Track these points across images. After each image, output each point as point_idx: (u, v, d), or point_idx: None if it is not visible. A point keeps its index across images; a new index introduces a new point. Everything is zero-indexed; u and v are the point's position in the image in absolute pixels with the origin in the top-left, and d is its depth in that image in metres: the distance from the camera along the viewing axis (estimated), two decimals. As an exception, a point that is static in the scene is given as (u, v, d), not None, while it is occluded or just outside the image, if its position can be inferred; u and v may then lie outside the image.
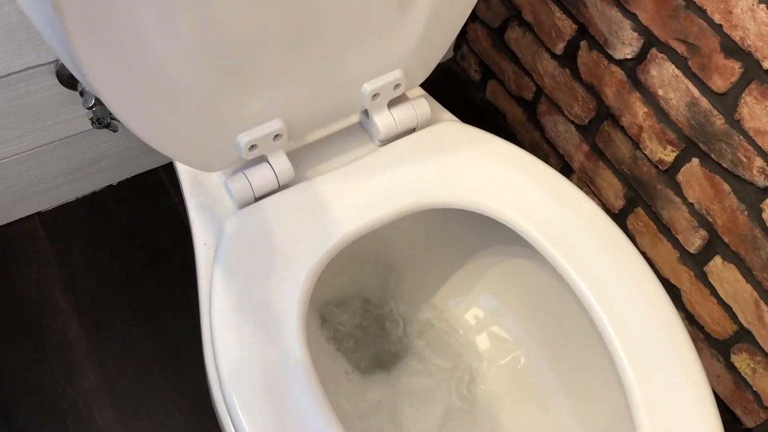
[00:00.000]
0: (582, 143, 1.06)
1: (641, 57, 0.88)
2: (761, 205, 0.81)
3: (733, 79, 0.78)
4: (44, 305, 1.00)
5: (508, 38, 1.13)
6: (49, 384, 0.94)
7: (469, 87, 1.28)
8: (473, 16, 1.20)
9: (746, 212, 0.83)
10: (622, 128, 0.96)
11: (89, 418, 0.93)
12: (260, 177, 0.64)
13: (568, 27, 0.98)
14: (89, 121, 0.94)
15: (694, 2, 0.78)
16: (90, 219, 1.08)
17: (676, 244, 0.96)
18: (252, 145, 0.62)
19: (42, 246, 1.05)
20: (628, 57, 0.90)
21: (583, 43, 0.97)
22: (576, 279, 0.63)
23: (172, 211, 1.07)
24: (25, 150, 0.96)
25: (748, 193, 0.82)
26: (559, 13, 0.99)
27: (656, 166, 0.93)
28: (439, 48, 0.68)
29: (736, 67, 0.77)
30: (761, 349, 0.90)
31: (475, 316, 0.79)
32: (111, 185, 1.10)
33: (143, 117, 0.54)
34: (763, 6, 0.71)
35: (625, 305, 0.62)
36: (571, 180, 1.11)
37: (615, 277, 0.63)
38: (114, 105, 0.51)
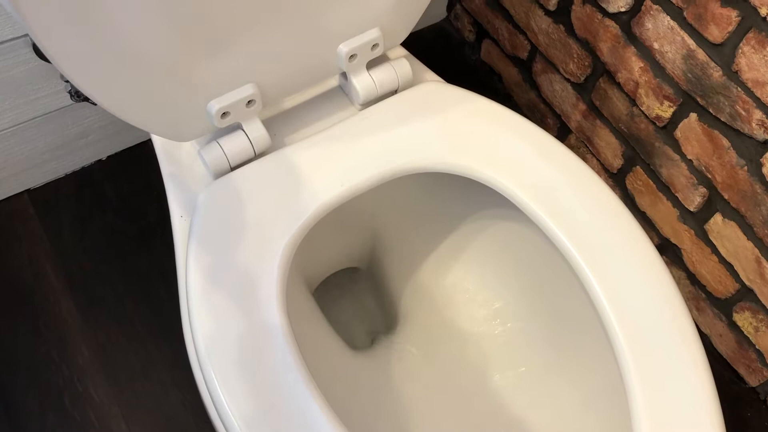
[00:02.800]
0: (578, 102, 1.03)
1: (635, 9, 0.85)
2: (761, 160, 0.78)
3: (730, 29, 0.74)
4: (36, 283, 0.99)
5: (500, -5, 1.09)
6: (43, 361, 0.94)
7: (463, 48, 1.24)
8: (465, -26, 1.16)
9: (746, 167, 0.80)
10: (618, 85, 0.93)
11: (85, 394, 0.93)
12: (235, 145, 0.62)
13: (560, -19, 0.95)
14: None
15: (689, -52, 0.74)
16: (80, 195, 1.06)
17: (676, 203, 0.93)
18: (224, 113, 0.60)
19: (32, 223, 1.04)
20: (622, 10, 0.87)
21: (576, -3, 0.93)
22: (565, 242, 0.61)
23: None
24: (8, 126, 0.94)
25: (748, 147, 0.79)
26: (550, -33, 0.95)
27: (654, 123, 0.90)
28: (417, 6, 0.65)
29: (732, 16, 0.73)
30: (764, 307, 0.88)
31: (466, 283, 0.78)
32: (100, 160, 1.09)
33: (104, 85, 0.52)
34: (759, -51, 0.67)
35: (617, 268, 0.60)
36: (568, 140, 1.09)
37: (605, 239, 0.61)
38: (72, 74, 0.49)
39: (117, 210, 1.05)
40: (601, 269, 0.60)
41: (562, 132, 1.09)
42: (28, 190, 1.05)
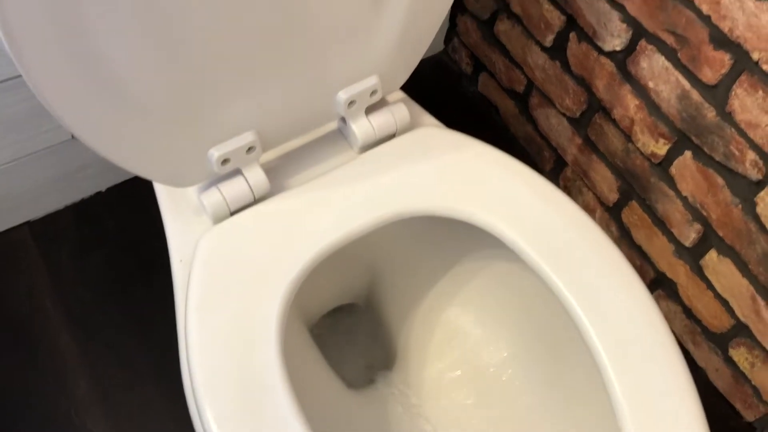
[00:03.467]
0: (575, 136, 1.04)
1: (630, 49, 0.86)
2: (755, 199, 0.79)
3: (723, 71, 0.76)
4: (35, 315, 1.00)
5: (497, 31, 1.10)
6: (41, 394, 0.94)
7: (461, 79, 1.26)
8: (462, 9, 1.17)
9: (740, 206, 0.81)
10: (613, 121, 0.94)
11: (82, 428, 0.92)
12: (234, 191, 0.62)
13: (556, 19, 0.96)
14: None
15: (682, -8, 0.76)
16: (79, 227, 1.07)
17: (672, 238, 0.94)
18: (224, 159, 0.60)
19: (32, 255, 1.04)
20: (618, 49, 0.88)
21: (572, 35, 0.95)
22: (560, 286, 0.62)
23: (159, 209, 1.06)
24: (9, 161, 0.95)
25: (742, 186, 0.80)
26: (547, 5, 0.96)
27: (649, 159, 0.91)
28: (416, 52, 0.66)
29: (725, 59, 0.75)
30: (759, 343, 0.88)
31: (463, 322, 0.78)
32: (99, 192, 1.09)
33: (103, 135, 0.52)
34: (751, -4, 0.69)
35: (610, 309, 0.61)
36: (565, 173, 1.10)
37: (599, 283, 0.62)
38: (72, 124, 0.50)
39: (116, 242, 1.06)
40: (595, 311, 0.61)
41: (558, 165, 1.10)
42: (28, 222, 1.06)
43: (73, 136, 0.89)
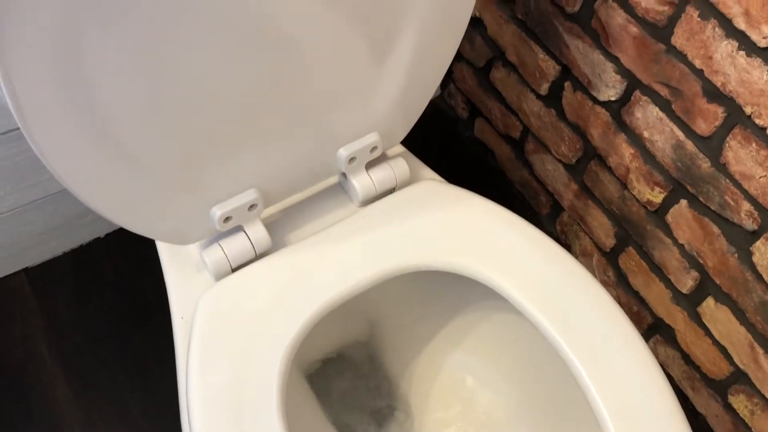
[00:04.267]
0: (570, 182, 1.05)
1: (625, 99, 0.88)
2: (750, 248, 0.80)
3: (717, 123, 0.77)
4: (30, 362, 0.99)
5: (493, 78, 1.12)
6: (36, 444, 0.93)
7: (457, 124, 1.27)
8: (459, 56, 1.19)
9: (736, 255, 0.82)
10: (609, 169, 0.95)
11: (78, 479, 0.91)
12: (236, 247, 0.63)
13: (551, 68, 0.98)
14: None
15: (675, 47, 0.77)
16: (77, 273, 1.07)
17: (669, 284, 0.94)
18: (227, 218, 0.61)
19: (28, 302, 1.04)
20: (612, 99, 0.89)
21: (567, 84, 0.96)
22: (559, 340, 0.62)
23: (161, 264, 1.07)
24: (9, 209, 0.95)
25: (737, 235, 0.81)
26: (542, 55, 0.98)
27: (645, 207, 0.92)
28: (416, 108, 0.67)
29: (719, 112, 0.76)
30: (758, 391, 0.88)
31: (464, 372, 0.78)
32: (98, 238, 1.09)
33: (105, 196, 0.53)
34: (742, 53, 0.70)
35: (608, 362, 0.61)
36: (561, 218, 1.10)
37: (599, 339, 0.62)
38: (73, 185, 0.50)
39: (114, 288, 1.06)
40: (593, 364, 0.61)
41: (555, 210, 1.11)
42: (25, 269, 1.06)
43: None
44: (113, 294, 1.05)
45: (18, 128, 0.86)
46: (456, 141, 1.26)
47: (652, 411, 0.59)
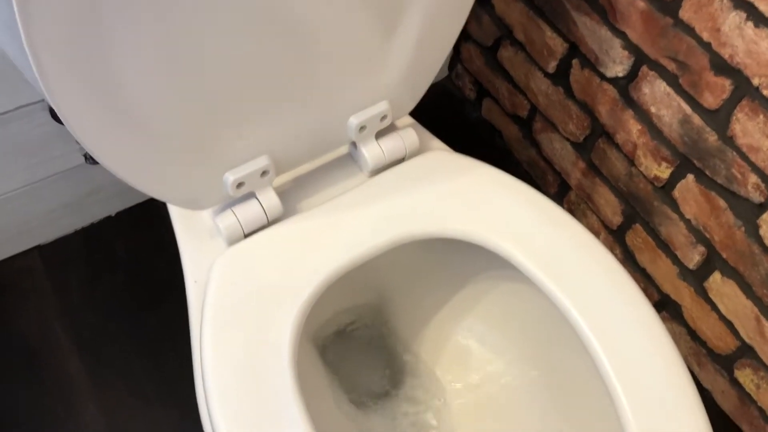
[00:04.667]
0: (578, 160, 1.05)
1: (632, 75, 0.88)
2: (758, 221, 0.80)
3: (724, 96, 0.77)
4: (44, 340, 1.00)
5: (501, 57, 1.13)
6: (49, 419, 0.94)
7: (464, 105, 1.28)
8: (466, 36, 1.20)
9: (743, 228, 0.82)
10: (616, 145, 0.96)
11: (91, 452, 0.93)
12: (249, 214, 0.64)
13: (559, 46, 0.98)
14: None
15: (682, 20, 0.78)
16: (89, 251, 1.08)
17: (676, 260, 0.95)
18: (239, 183, 0.62)
19: (41, 280, 1.05)
20: (620, 75, 0.90)
21: (575, 62, 0.97)
22: (568, 306, 0.63)
23: (172, 242, 1.07)
24: (22, 186, 0.96)
25: (744, 209, 0.81)
26: (549, 32, 0.98)
27: (652, 183, 0.93)
28: (425, 78, 0.68)
29: (726, 85, 0.76)
30: (764, 364, 0.89)
31: (472, 342, 0.79)
32: (110, 216, 1.10)
33: (123, 159, 0.54)
34: (750, 23, 0.70)
35: (618, 330, 0.62)
36: (569, 197, 1.11)
37: (607, 303, 0.63)
38: (94, 148, 0.51)
39: (126, 267, 1.07)
40: (602, 331, 0.62)
41: (562, 189, 1.12)
42: (38, 247, 1.07)
43: (85, 160, 0.90)
44: (125, 272, 1.06)
45: (29, 104, 0.87)
46: (464, 122, 1.26)
47: (664, 382, 0.59)
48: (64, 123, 0.52)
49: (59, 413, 0.95)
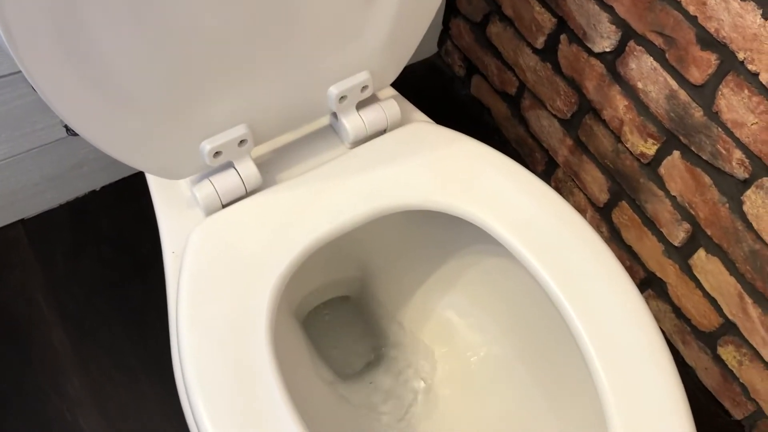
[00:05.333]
0: (565, 137, 1.05)
1: (620, 50, 0.87)
2: (741, 198, 0.80)
3: (710, 71, 0.77)
4: (28, 313, 1.00)
5: (489, 33, 1.12)
6: (33, 391, 0.94)
7: (453, 82, 1.27)
8: (455, 12, 1.19)
9: (727, 205, 0.82)
10: (603, 122, 0.95)
11: (74, 424, 0.93)
12: (226, 183, 0.63)
13: (547, 21, 0.97)
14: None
15: (669, -6, 0.77)
16: (73, 225, 1.07)
17: (661, 238, 0.95)
18: (216, 152, 0.61)
19: (26, 253, 1.04)
20: (607, 50, 0.89)
21: (563, 37, 0.96)
22: (549, 281, 0.62)
23: (152, 200, 1.07)
24: (4, 158, 0.95)
25: (729, 185, 0.81)
26: (538, 7, 0.98)
27: (638, 160, 0.92)
28: (406, 49, 0.67)
29: (712, 59, 0.76)
30: (746, 341, 0.89)
31: (454, 316, 0.79)
32: (94, 190, 1.10)
33: (98, 127, 0.53)
34: (736, -4, 0.70)
35: (598, 303, 0.61)
36: (556, 174, 1.11)
37: (588, 278, 0.62)
38: (67, 115, 0.51)
39: (111, 241, 1.06)
40: (582, 305, 0.61)
41: (549, 166, 1.11)
42: (22, 220, 1.07)
43: (66, 132, 0.89)
44: (109, 246, 1.06)
45: (10, 74, 0.86)
46: (453, 100, 1.26)
47: (642, 354, 0.59)
48: (37, 91, 0.52)
49: (43, 386, 0.95)
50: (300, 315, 0.82)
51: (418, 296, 0.79)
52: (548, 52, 1.00)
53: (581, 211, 1.08)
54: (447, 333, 0.79)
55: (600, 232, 1.06)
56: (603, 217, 1.04)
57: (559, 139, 1.06)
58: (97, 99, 0.53)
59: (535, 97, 1.07)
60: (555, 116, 1.05)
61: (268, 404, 0.54)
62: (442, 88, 1.27)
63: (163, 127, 0.57)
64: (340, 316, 0.86)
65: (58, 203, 1.08)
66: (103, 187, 1.10)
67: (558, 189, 1.11)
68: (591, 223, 1.07)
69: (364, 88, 0.66)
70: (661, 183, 0.91)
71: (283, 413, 0.54)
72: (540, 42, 1.01)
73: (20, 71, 0.85)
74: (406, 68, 1.08)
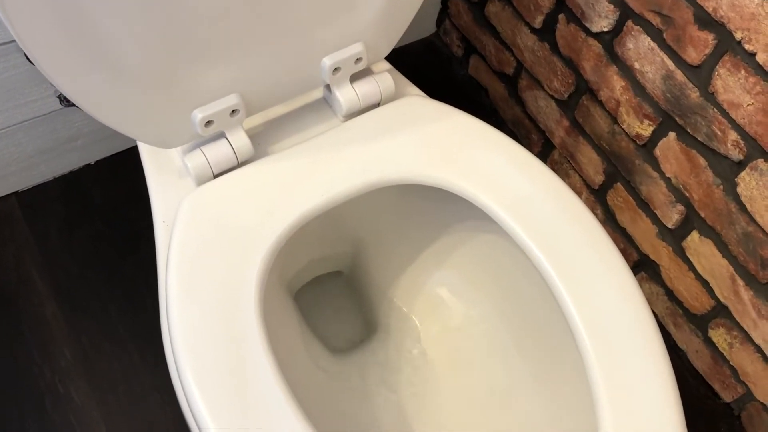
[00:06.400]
0: (562, 118, 1.04)
1: (617, 30, 0.87)
2: (736, 179, 0.80)
3: (707, 51, 0.76)
4: (21, 286, 1.00)
5: (488, 12, 1.11)
6: (25, 363, 0.95)
7: (451, 62, 1.26)
8: (454, -10, 1.18)
9: (721, 186, 0.82)
10: (600, 103, 0.95)
11: (66, 396, 0.93)
12: (218, 153, 0.63)
13: (546, 0, 0.96)
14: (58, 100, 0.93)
15: (668, -28, 0.76)
16: (67, 199, 1.07)
17: (655, 220, 0.95)
18: (208, 121, 0.61)
19: (19, 226, 1.04)
20: (605, 30, 0.89)
21: (561, 17, 0.95)
22: (539, 255, 0.62)
23: (143, 169, 1.06)
24: (-2, 129, 0.95)
25: (723, 167, 0.81)
26: (536, -14, 0.97)
27: (634, 141, 0.92)
28: (401, 22, 0.67)
29: (709, 39, 0.75)
30: (737, 323, 0.89)
31: (445, 292, 0.79)
32: (89, 164, 1.10)
33: (89, 93, 0.53)
34: (734, -25, 0.69)
35: (588, 281, 0.61)
36: (552, 156, 1.10)
37: (579, 255, 0.62)
38: (60, 82, 0.50)
39: (104, 215, 1.06)
40: (573, 282, 0.61)
41: (546, 148, 1.11)
42: (15, 193, 1.06)
43: (60, 102, 0.88)
44: (103, 220, 1.06)
45: (3, 44, 0.85)
46: (451, 80, 1.25)
47: (631, 333, 0.59)
48: (28, 56, 0.51)
49: (35, 358, 0.95)
50: (292, 289, 0.82)
51: (410, 272, 0.79)
52: (546, 32, 0.99)
53: (576, 193, 1.08)
54: (438, 309, 0.79)
55: (595, 215, 1.05)
56: (598, 199, 1.04)
57: (556, 120, 1.06)
58: (88, 65, 0.52)
59: (532, 77, 1.07)
60: (552, 97, 1.04)
61: (256, 375, 0.54)
62: (440, 67, 1.26)
63: (155, 95, 0.57)
64: (332, 292, 0.86)
65: (52, 176, 1.08)
66: (98, 161, 1.10)
67: (554, 171, 1.11)
68: (586, 205, 1.07)
69: (358, 60, 0.66)
70: (656, 164, 0.90)
71: (271, 383, 0.54)
72: (538, 21, 1.00)
73: (13, 41, 0.85)
74: (404, 47, 1.08)
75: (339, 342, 0.82)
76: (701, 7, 0.75)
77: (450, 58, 1.26)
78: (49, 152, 1.03)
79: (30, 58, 0.50)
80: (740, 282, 0.85)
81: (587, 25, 0.91)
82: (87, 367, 0.95)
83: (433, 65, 1.26)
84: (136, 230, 1.05)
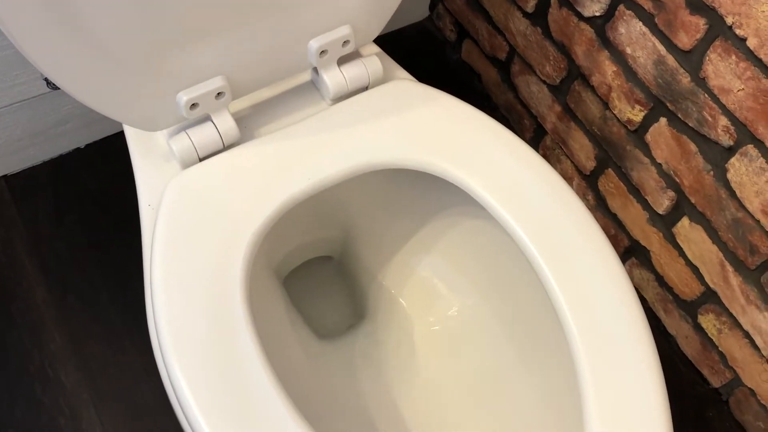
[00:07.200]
0: (554, 104, 1.04)
1: (609, 14, 0.86)
2: (726, 165, 0.80)
3: (698, 36, 0.76)
4: (11, 269, 1.00)
5: (480, -4, 1.10)
6: (15, 347, 0.94)
7: (444, 47, 1.26)
8: (447, -26, 1.17)
9: (712, 172, 0.82)
10: (592, 88, 0.95)
11: (56, 380, 0.93)
12: (203, 136, 0.62)
13: (538, -17, 0.96)
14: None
15: (660, -44, 0.76)
16: (57, 182, 1.07)
17: (646, 206, 0.95)
18: (193, 104, 0.60)
19: (8, 209, 1.04)
20: (597, 14, 0.88)
21: (553, 1, 0.95)
22: (526, 241, 0.62)
23: (129, 152, 1.06)
24: (-15, 112, 0.94)
25: (714, 153, 0.81)
26: (529, -31, 0.96)
27: (625, 126, 0.92)
28: (389, 5, 0.66)
29: (701, 24, 0.75)
30: (726, 309, 0.89)
31: (434, 278, 0.79)
32: (78, 148, 1.09)
33: (73, 74, 0.52)
34: (726, -41, 0.69)
35: (575, 267, 0.61)
36: (544, 141, 1.10)
37: (567, 241, 0.62)
38: (42, 64, 0.50)
39: (94, 199, 1.06)
40: (560, 267, 0.61)
41: (538, 133, 1.11)
42: (5, 176, 1.06)
43: (47, 85, 0.87)
44: (93, 204, 1.05)
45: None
46: (443, 64, 1.24)
47: (617, 319, 0.59)
48: (9, 38, 0.51)
49: (24, 342, 0.95)
50: (281, 274, 0.82)
51: (400, 257, 0.79)
52: (538, 16, 0.99)
53: (568, 179, 1.08)
54: (427, 293, 0.79)
55: (586, 200, 1.06)
56: (589, 185, 1.04)
57: (548, 106, 1.05)
58: (71, 46, 0.52)
59: (524, 62, 1.06)
60: (544, 82, 1.04)
61: (243, 360, 0.54)
62: (433, 52, 1.25)
63: (138, 77, 0.56)
64: (321, 276, 0.86)
65: (41, 160, 1.07)
66: (87, 145, 1.09)
67: (546, 157, 1.11)
68: (577, 191, 1.07)
69: (346, 42, 0.65)
70: (647, 150, 0.90)
71: (257, 367, 0.54)
72: (531, 6, 0.99)
73: None
74: (397, 32, 1.07)
75: (328, 327, 0.82)
76: (693, -9, 0.74)
77: (443, 43, 1.26)
78: (38, 135, 1.02)
79: (11, 39, 0.50)
80: (729, 268, 0.86)
81: (579, 9, 0.90)
82: (77, 351, 0.95)
83: (426, 50, 1.25)
84: (126, 213, 1.04)
